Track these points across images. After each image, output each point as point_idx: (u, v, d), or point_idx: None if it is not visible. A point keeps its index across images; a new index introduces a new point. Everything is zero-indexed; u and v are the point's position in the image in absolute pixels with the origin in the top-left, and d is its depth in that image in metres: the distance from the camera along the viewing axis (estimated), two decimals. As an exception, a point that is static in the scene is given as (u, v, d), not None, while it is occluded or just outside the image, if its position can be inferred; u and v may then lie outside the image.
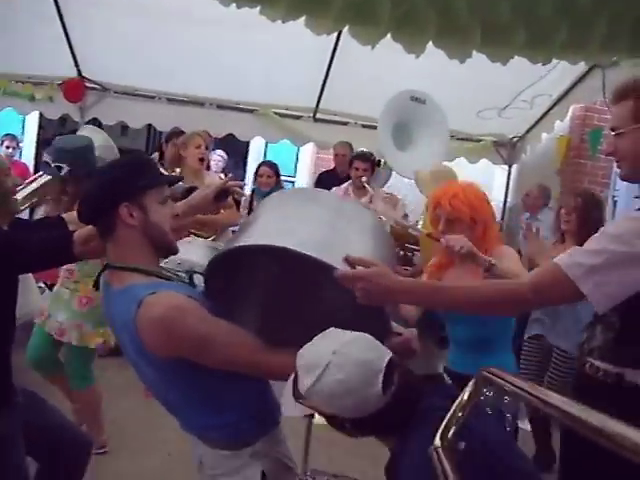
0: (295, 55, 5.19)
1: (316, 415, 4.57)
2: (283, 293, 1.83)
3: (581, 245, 1.81)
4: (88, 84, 6.10)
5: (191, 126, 6.33)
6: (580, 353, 2.09)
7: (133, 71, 5.84)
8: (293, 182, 9.23)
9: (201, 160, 4.30)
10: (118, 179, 1.76)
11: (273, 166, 5.72)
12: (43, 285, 5.71)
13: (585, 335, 2.07)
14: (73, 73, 5.97)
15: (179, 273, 1.95)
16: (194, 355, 1.70)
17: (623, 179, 2.06)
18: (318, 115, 6.36)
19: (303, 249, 1.55)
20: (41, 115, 7.14)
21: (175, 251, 1.89)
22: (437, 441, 1.33)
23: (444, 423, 1.36)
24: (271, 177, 5.58)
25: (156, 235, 1.80)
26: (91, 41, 5.53)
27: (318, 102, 6.17)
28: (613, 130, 1.96)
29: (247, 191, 5.87)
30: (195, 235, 3.80)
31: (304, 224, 1.68)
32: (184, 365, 1.70)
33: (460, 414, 1.39)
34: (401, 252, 4.21)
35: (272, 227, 1.71)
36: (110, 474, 3.43)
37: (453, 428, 1.36)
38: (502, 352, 2.70)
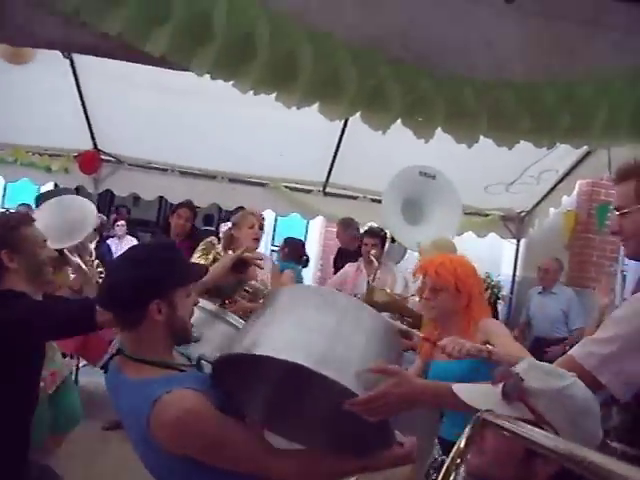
0: (306, 131, 5.30)
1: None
2: (287, 391, 1.86)
3: None
4: (103, 156, 6.25)
5: (203, 199, 6.50)
6: None
7: (147, 144, 5.99)
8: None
9: (255, 240, 4.22)
10: (153, 275, 1.76)
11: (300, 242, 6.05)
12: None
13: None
14: (89, 145, 6.12)
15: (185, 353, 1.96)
16: (204, 456, 1.70)
17: (628, 257, 2.08)
18: (328, 189, 6.46)
19: (319, 368, 1.57)
20: (55, 185, 7.27)
21: (192, 340, 1.91)
22: None
23: (442, 472, 1.30)
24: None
25: (179, 328, 1.82)
26: (108, 115, 5.68)
27: (328, 177, 6.27)
28: (617, 210, 1.99)
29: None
30: None
31: (316, 334, 1.67)
32: (189, 461, 1.71)
33: (459, 461, 1.32)
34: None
35: (285, 336, 1.69)
36: None
37: (452, 475, 1.30)
38: None
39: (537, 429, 1.09)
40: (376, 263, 4.58)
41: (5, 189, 8.46)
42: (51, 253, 2.46)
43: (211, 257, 3.96)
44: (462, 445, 1.31)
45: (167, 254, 1.84)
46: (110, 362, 1.85)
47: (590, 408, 1.48)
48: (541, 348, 5.41)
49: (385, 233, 5.08)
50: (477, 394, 1.57)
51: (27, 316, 2.09)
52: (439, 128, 2.37)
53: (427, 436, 2.81)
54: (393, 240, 5.00)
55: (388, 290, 4.23)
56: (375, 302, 3.27)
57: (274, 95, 2.21)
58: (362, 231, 5.85)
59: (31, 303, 2.20)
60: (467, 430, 1.33)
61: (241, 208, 6.38)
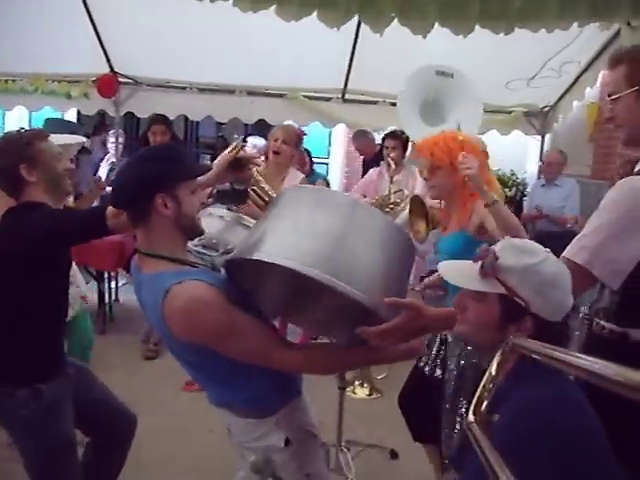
0: (320, 37, 5.23)
1: (355, 389, 4.69)
2: (297, 290, 1.90)
3: None
4: (121, 79, 6.27)
5: (223, 114, 6.53)
6: (590, 313, 2.15)
7: (163, 63, 5.97)
8: (327, 164, 9.32)
9: (275, 153, 4.15)
10: (155, 170, 1.83)
11: (306, 152, 6.01)
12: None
13: (595, 296, 2.13)
14: (105, 69, 6.14)
15: (202, 251, 2.05)
16: (212, 344, 1.80)
17: (624, 144, 2.09)
18: (347, 96, 6.41)
19: (323, 278, 1.59)
20: (78, 112, 7.33)
21: (201, 234, 2.00)
22: (470, 417, 1.32)
23: (475, 398, 1.35)
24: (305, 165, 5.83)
25: (187, 224, 1.90)
26: (121, 36, 5.67)
27: (346, 83, 6.21)
28: (609, 96, 2.00)
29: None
30: None
31: (316, 239, 1.67)
32: (207, 349, 1.81)
33: (491, 386, 1.36)
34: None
35: (286, 241, 1.69)
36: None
37: (485, 402, 1.35)
38: None
39: (570, 352, 1.09)
40: (393, 165, 4.59)
41: (30, 119, 8.52)
42: (67, 165, 2.56)
43: None
44: (493, 371, 1.36)
45: (169, 152, 1.92)
46: (132, 261, 1.96)
47: (558, 281, 1.57)
48: (542, 242, 5.37)
49: (406, 135, 5.06)
50: (458, 273, 1.68)
51: (44, 223, 2.22)
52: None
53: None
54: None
55: (406, 192, 4.28)
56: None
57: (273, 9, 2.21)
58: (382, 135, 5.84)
59: (47, 211, 2.32)
60: (497, 356, 1.39)
61: (262, 120, 6.43)
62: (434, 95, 4.64)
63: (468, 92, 4.68)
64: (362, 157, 7.29)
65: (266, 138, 7.15)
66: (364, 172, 6.63)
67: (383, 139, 5.50)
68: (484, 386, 1.36)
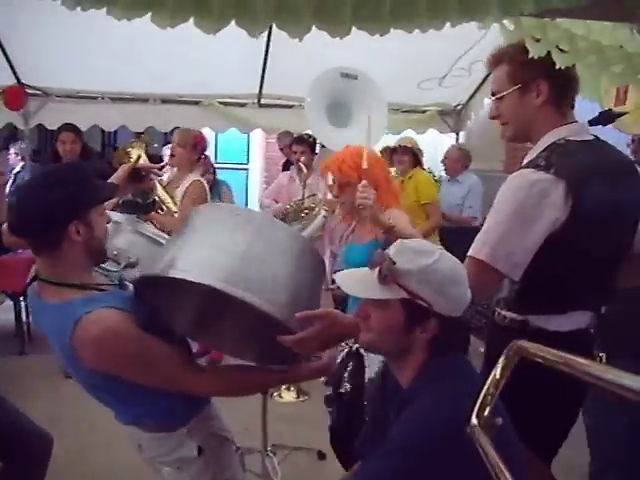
0: (232, 42, 5.19)
1: (282, 393, 4.67)
2: (208, 307, 1.92)
3: None
4: (29, 90, 6.06)
5: (138, 123, 6.40)
6: (491, 303, 2.21)
7: (73, 73, 5.80)
8: (247, 169, 9.28)
9: (171, 156, 4.32)
10: (66, 197, 1.76)
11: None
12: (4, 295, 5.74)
13: None
14: (11, 81, 5.92)
15: (103, 266, 2.00)
16: (123, 373, 1.78)
17: (509, 141, 2.16)
18: (262, 101, 6.38)
19: (227, 288, 1.62)
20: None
21: (105, 257, 1.95)
22: (474, 420, 1.31)
23: (479, 401, 1.33)
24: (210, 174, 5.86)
25: (97, 248, 1.86)
26: (26, 46, 5.47)
27: (261, 88, 6.19)
28: (493, 95, 2.06)
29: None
30: None
31: (226, 255, 1.70)
32: (111, 377, 1.79)
33: (494, 390, 1.34)
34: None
35: (198, 257, 1.72)
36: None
37: (489, 405, 1.32)
38: None
39: (576, 357, 1.08)
40: (305, 170, 4.63)
41: None
42: None
43: None
44: (497, 375, 1.34)
45: (77, 175, 1.85)
46: (29, 288, 1.89)
47: (456, 277, 1.60)
48: (445, 238, 5.46)
49: (314, 139, 5.10)
50: (356, 282, 1.68)
51: None
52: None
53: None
54: (324, 145, 5.03)
55: (320, 195, 4.31)
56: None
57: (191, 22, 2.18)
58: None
59: None
60: (501, 360, 1.36)
61: (177, 128, 6.35)
62: (340, 97, 4.68)
63: (373, 93, 4.73)
64: (283, 160, 7.29)
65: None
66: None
67: (290, 144, 5.53)
68: (487, 390, 1.34)
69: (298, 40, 2.70)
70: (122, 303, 1.80)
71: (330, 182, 2.96)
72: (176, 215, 3.97)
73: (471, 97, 6.42)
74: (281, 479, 3.29)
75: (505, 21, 2.23)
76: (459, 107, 6.69)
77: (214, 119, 6.38)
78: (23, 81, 5.96)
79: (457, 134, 6.89)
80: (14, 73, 5.85)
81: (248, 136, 8.52)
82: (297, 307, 1.72)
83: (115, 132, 11.04)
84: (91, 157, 5.58)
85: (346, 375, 2.87)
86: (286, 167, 6.84)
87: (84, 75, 5.83)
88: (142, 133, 6.11)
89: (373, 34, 2.77)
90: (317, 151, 5.26)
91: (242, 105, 6.41)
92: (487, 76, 5.99)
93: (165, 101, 6.30)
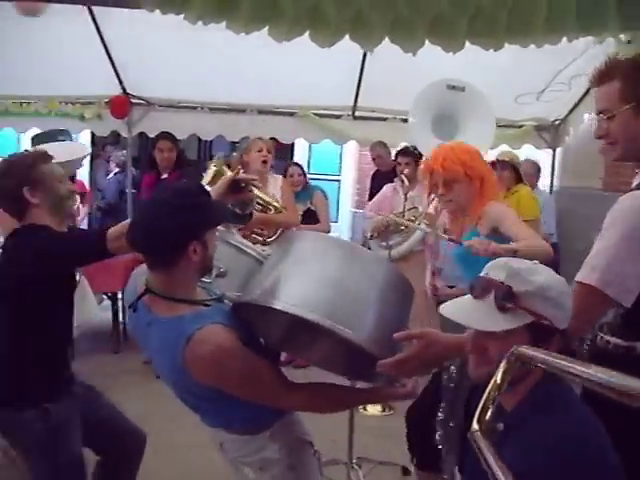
0: (329, 55, 5.27)
1: (367, 406, 4.67)
2: (302, 329, 1.97)
3: None
4: (133, 100, 6.35)
5: (235, 133, 6.55)
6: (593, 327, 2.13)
7: (175, 84, 6.04)
8: (339, 180, 9.34)
9: (264, 162, 4.39)
10: (190, 222, 1.84)
11: (300, 166, 6.12)
12: (104, 296, 5.99)
13: None
14: (118, 91, 6.22)
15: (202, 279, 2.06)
16: (230, 389, 1.86)
17: (616, 160, 2.05)
18: (357, 113, 6.45)
19: (332, 325, 1.70)
20: (92, 134, 7.44)
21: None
22: (475, 425, 1.27)
23: (480, 406, 1.29)
24: (300, 176, 5.91)
25: (208, 265, 1.95)
26: (132, 58, 5.76)
27: (356, 100, 6.26)
28: (602, 113, 1.94)
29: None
30: (257, 235, 3.93)
31: (327, 289, 1.77)
32: (216, 392, 1.87)
33: (495, 395, 1.30)
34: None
35: (303, 291, 1.78)
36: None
37: (490, 410, 1.29)
38: None
39: (574, 360, 1.04)
40: (407, 182, 4.62)
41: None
42: (71, 187, 2.60)
43: None
44: (498, 380, 1.30)
45: (199, 199, 1.93)
46: (138, 302, 1.96)
47: (565, 287, 1.56)
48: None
49: (419, 151, 5.08)
50: (471, 314, 1.58)
51: (47, 246, 2.27)
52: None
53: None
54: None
55: (421, 208, 4.29)
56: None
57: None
58: (395, 152, 5.87)
59: (49, 235, 2.35)
60: (502, 364, 1.32)
61: (272, 139, 6.47)
62: (446, 109, 4.65)
63: (481, 105, 4.68)
64: (375, 170, 7.30)
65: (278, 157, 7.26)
66: (372, 186, 6.71)
67: (396, 156, 5.55)
68: (488, 394, 1.31)
69: (412, 55, 2.74)
70: (226, 319, 1.87)
71: (426, 183, 2.95)
72: (284, 211, 4.07)
73: (570, 112, 6.26)
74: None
75: (621, 35, 2.16)
76: (557, 122, 6.53)
77: (309, 130, 6.52)
78: (128, 91, 6.25)
79: (554, 150, 6.73)
80: (120, 83, 6.15)
81: (341, 148, 8.56)
82: (391, 341, 1.76)
83: (211, 142, 11.35)
84: (186, 165, 5.74)
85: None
86: (375, 177, 6.89)
87: (184, 86, 6.07)
88: (237, 142, 6.24)
89: (487, 49, 2.78)
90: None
91: (337, 117, 6.50)
92: (588, 90, 5.83)
93: (261, 112, 6.45)
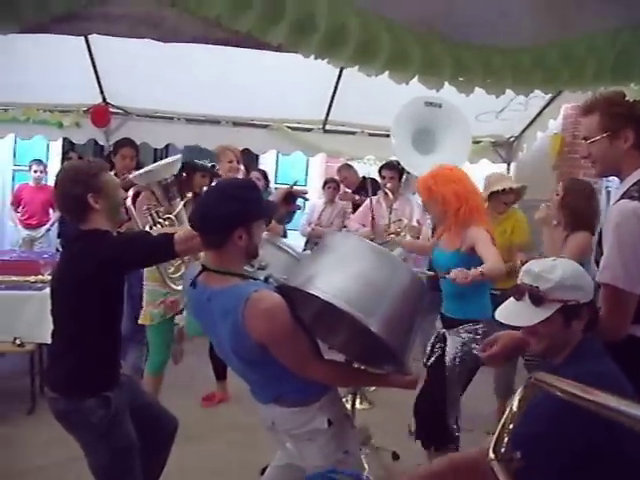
0: (305, 72, 5.54)
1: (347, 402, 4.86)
2: (332, 314, 2.27)
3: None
4: (112, 109, 6.50)
5: (209, 143, 6.69)
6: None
7: (153, 95, 6.24)
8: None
9: (235, 172, 4.65)
10: (239, 210, 2.17)
11: (262, 171, 6.93)
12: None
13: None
14: (98, 100, 6.36)
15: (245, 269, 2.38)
16: (276, 344, 2.15)
17: (597, 177, 2.56)
18: (327, 127, 6.77)
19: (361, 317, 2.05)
20: (64, 141, 7.50)
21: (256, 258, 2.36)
22: (491, 454, 1.35)
23: (495, 435, 1.39)
24: (260, 180, 6.49)
25: (252, 251, 2.27)
26: (115, 70, 5.93)
27: (327, 114, 6.57)
28: (585, 139, 2.39)
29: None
30: None
31: (366, 286, 2.12)
32: (265, 351, 2.15)
33: (511, 426, 1.40)
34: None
35: (344, 284, 2.11)
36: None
37: (505, 439, 1.38)
38: (479, 300, 3.35)
39: (592, 389, 1.19)
40: (391, 195, 4.92)
41: (15, 146, 8.69)
42: (124, 195, 2.91)
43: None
44: (514, 408, 1.43)
45: (250, 194, 2.26)
46: (197, 279, 2.27)
47: (580, 270, 2.05)
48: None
49: (402, 166, 5.35)
50: (518, 315, 2.04)
51: (117, 251, 2.51)
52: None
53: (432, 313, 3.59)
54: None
55: (405, 221, 4.62)
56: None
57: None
58: (380, 165, 6.06)
59: (118, 239, 2.62)
60: (519, 391, 1.47)
61: (246, 150, 6.73)
62: (425, 125, 4.96)
63: (457, 121, 5.03)
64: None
65: (249, 167, 7.51)
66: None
67: (380, 170, 5.82)
68: (504, 425, 1.41)
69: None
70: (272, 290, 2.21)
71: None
72: None
73: (524, 130, 6.74)
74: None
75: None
76: (512, 139, 7.01)
77: (281, 142, 6.81)
78: (108, 100, 6.41)
79: (508, 164, 7.20)
80: (102, 92, 6.31)
81: (308, 159, 8.85)
82: (405, 335, 2.18)
83: (166, 149, 11.40)
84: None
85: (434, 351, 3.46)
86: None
87: (163, 97, 6.27)
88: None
89: (431, 88, 3.43)
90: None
91: (308, 130, 6.80)
92: (542, 110, 6.32)
93: (236, 123, 6.71)
